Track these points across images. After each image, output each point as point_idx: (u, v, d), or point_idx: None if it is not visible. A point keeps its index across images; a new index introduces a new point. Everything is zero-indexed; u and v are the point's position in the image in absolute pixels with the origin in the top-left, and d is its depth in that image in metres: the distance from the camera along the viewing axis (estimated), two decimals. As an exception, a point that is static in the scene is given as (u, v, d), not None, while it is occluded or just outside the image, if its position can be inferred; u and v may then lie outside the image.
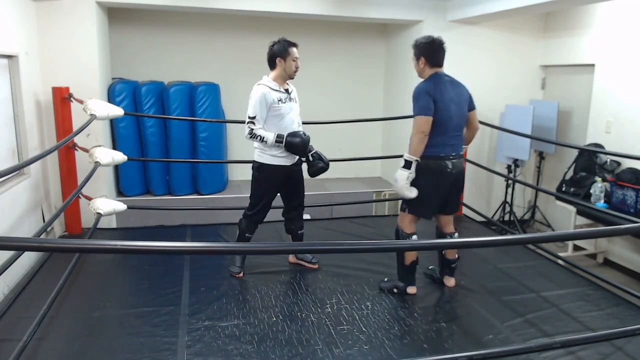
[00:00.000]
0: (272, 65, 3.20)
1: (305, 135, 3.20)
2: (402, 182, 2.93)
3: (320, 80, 5.85)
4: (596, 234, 3.35)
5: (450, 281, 3.29)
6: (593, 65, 4.84)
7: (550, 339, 2.61)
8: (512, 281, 3.42)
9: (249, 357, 2.46)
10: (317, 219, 4.82)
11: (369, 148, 6.02)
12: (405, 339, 2.67)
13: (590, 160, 4.66)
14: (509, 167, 5.27)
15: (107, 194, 4.34)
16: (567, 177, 4.86)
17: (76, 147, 4.02)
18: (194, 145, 4.98)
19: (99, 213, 3.84)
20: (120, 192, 4.95)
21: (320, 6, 4.73)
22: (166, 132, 4.89)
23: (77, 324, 2.74)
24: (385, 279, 3.27)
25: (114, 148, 4.57)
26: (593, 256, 4.83)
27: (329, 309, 2.96)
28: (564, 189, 4.75)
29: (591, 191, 4.36)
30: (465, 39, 5.20)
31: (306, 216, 4.93)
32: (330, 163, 5.84)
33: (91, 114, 3.66)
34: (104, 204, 3.92)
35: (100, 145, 4.02)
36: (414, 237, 3.11)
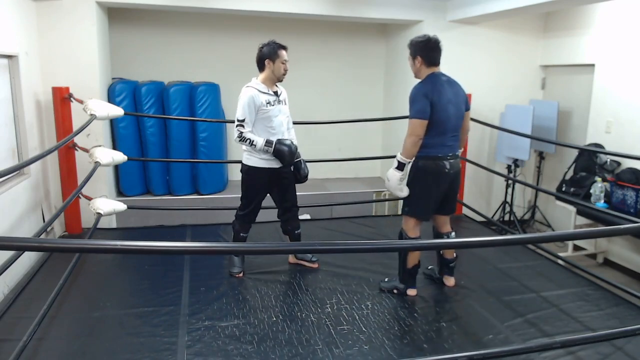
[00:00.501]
0: (260, 67, 3.21)
1: (293, 144, 3.20)
2: (394, 182, 2.95)
3: (320, 80, 5.85)
4: (596, 234, 3.35)
5: (449, 281, 3.29)
6: (593, 65, 4.84)
7: (550, 339, 2.61)
8: (512, 281, 3.42)
9: (249, 357, 2.46)
10: (317, 219, 4.82)
11: (369, 148, 6.02)
12: (405, 339, 2.67)
13: (590, 160, 4.66)
14: (509, 167, 5.27)
15: (107, 194, 4.34)
16: (567, 177, 4.86)
17: (76, 147, 4.02)
18: (194, 145, 4.98)
19: (99, 213, 3.84)
20: (120, 192, 4.95)
21: (320, 6, 4.73)
22: (166, 132, 4.89)
23: (77, 324, 2.74)
24: (386, 279, 3.27)
25: (114, 148, 4.57)
26: (593, 256, 4.83)
27: (329, 309, 2.96)
28: (564, 189, 4.75)
29: (591, 191, 4.36)
30: (465, 39, 5.20)
31: (306, 216, 4.95)
32: (330, 163, 5.88)
33: (91, 114, 3.66)
34: (104, 204, 3.92)
35: (100, 145, 4.02)
36: None
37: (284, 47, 3.18)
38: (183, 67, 5.36)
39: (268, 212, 3.73)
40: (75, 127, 3.89)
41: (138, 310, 2.89)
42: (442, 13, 5.13)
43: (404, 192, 2.97)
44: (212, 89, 4.98)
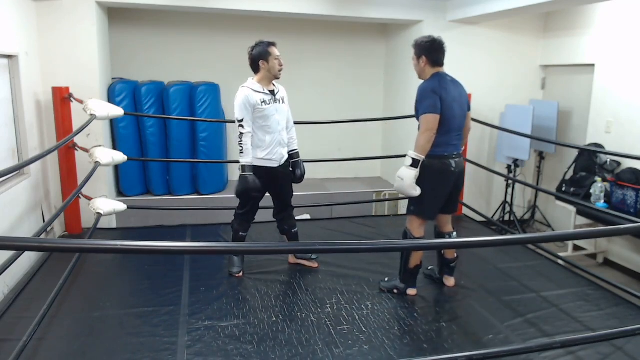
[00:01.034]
0: (255, 69, 3.20)
1: (257, 182, 3.15)
2: (410, 181, 2.90)
3: (320, 80, 5.85)
4: (596, 234, 3.35)
5: (450, 281, 3.29)
6: (593, 65, 4.84)
7: (550, 339, 2.61)
8: (512, 281, 3.42)
9: (249, 357, 2.46)
10: (317, 219, 4.82)
11: (369, 148, 6.02)
12: (405, 339, 2.67)
13: (590, 160, 4.66)
14: (509, 167, 5.27)
15: (107, 194, 4.34)
16: (567, 177, 4.86)
17: (76, 147, 4.02)
18: (194, 145, 4.98)
19: (99, 213, 3.84)
20: (120, 192, 4.95)
21: (320, 6, 4.73)
22: (166, 132, 4.89)
23: (77, 324, 2.74)
24: (386, 279, 3.27)
25: (114, 148, 4.57)
26: (593, 256, 4.83)
27: (329, 309, 2.96)
28: (564, 189, 4.75)
29: (591, 191, 4.36)
30: (465, 39, 5.20)
31: (306, 216, 4.95)
32: (330, 163, 5.88)
33: (91, 114, 3.66)
34: (104, 204, 3.92)
35: (100, 145, 4.02)
36: None
37: (274, 44, 3.17)
38: (183, 67, 5.36)
39: (268, 212, 3.72)
40: (75, 127, 3.89)
41: (138, 310, 2.89)
42: (442, 13, 5.13)
43: (417, 191, 2.93)
44: (212, 89, 4.98)
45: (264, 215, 3.76)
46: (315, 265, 3.58)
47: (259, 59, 3.14)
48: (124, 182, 4.91)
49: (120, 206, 4.07)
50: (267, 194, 3.43)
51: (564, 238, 4.43)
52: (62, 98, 3.90)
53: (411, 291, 3.17)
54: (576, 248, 4.88)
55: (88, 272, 3.43)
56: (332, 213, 5.08)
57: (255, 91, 3.14)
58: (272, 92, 3.22)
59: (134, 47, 5.24)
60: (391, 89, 5.93)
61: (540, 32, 5.50)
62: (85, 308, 2.93)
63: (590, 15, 4.90)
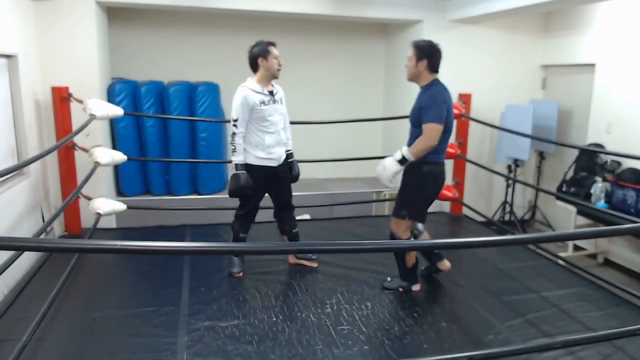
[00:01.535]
0: (254, 67, 3.21)
1: (249, 183, 3.19)
2: (390, 173, 2.94)
3: (320, 80, 5.85)
4: (596, 234, 3.34)
5: (445, 264, 3.29)
6: (593, 65, 4.84)
7: (550, 339, 2.61)
8: (512, 281, 3.42)
9: (249, 357, 2.46)
10: (317, 219, 4.82)
11: (369, 148, 6.01)
12: (405, 339, 2.67)
13: (590, 160, 4.66)
14: (509, 167, 5.27)
15: (106, 194, 4.34)
16: (568, 177, 4.86)
17: (76, 147, 4.02)
18: (194, 145, 4.98)
19: (98, 213, 3.84)
20: (120, 192, 4.95)
21: (321, 6, 4.73)
22: (166, 132, 4.89)
23: (77, 324, 2.74)
24: (389, 279, 3.28)
25: (114, 148, 4.56)
26: (593, 256, 4.83)
27: (329, 309, 2.96)
28: (564, 189, 4.74)
29: (591, 191, 4.36)
30: (465, 39, 5.20)
31: (306, 216, 4.94)
32: (330, 163, 5.87)
33: (91, 114, 3.66)
34: (104, 204, 3.92)
35: (99, 145, 4.02)
36: None
37: (274, 44, 3.18)
38: (183, 67, 5.35)
39: (268, 212, 3.72)
40: (74, 127, 3.88)
41: (138, 310, 2.89)
42: (442, 13, 5.12)
43: (392, 184, 2.99)
44: (212, 89, 4.98)
45: (264, 215, 3.76)
46: (315, 265, 3.58)
47: (257, 56, 3.15)
48: (124, 182, 4.90)
49: (120, 206, 4.07)
50: (267, 194, 3.43)
51: (564, 238, 4.43)
52: (62, 98, 3.90)
53: (416, 287, 3.21)
54: (576, 248, 4.88)
55: (88, 272, 3.43)
56: (332, 213, 5.07)
57: (255, 91, 3.14)
58: (271, 93, 3.22)
59: (134, 47, 5.23)
60: (391, 89, 5.92)
61: (540, 32, 5.50)
62: (85, 308, 2.92)
63: (591, 15, 4.90)
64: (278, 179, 3.33)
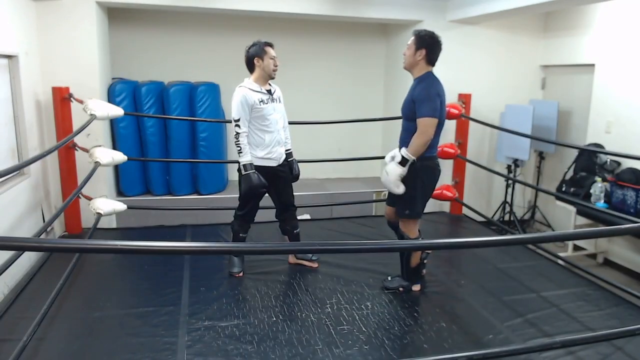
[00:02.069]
0: (251, 68, 3.22)
1: (263, 181, 3.17)
2: (394, 177, 2.92)
3: (320, 80, 5.85)
4: (596, 234, 3.35)
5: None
6: (593, 65, 4.84)
7: (550, 339, 2.61)
8: (512, 281, 3.42)
9: (249, 357, 2.46)
10: (317, 219, 4.82)
11: (369, 148, 6.01)
12: (405, 339, 2.67)
13: (590, 160, 4.66)
14: (509, 167, 5.27)
15: (107, 194, 4.34)
16: (567, 177, 4.86)
17: (76, 147, 4.02)
18: (194, 145, 4.98)
19: (99, 213, 3.84)
20: (120, 192, 4.95)
21: (320, 6, 4.73)
22: (166, 132, 4.89)
23: (77, 324, 2.74)
24: (389, 278, 3.28)
25: (114, 148, 4.56)
26: (593, 256, 4.83)
27: (329, 309, 2.96)
28: (564, 189, 4.75)
29: (591, 191, 4.36)
30: (465, 39, 5.20)
31: (306, 216, 4.95)
32: (330, 163, 5.87)
33: (91, 114, 3.66)
34: (104, 204, 3.92)
35: (100, 145, 4.02)
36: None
37: (270, 44, 3.19)
38: (183, 67, 5.36)
39: (268, 212, 3.72)
40: (75, 127, 3.89)
41: (138, 310, 2.89)
42: (442, 13, 5.13)
43: (400, 188, 2.94)
44: (212, 89, 4.98)
45: (264, 215, 3.76)
46: (315, 265, 3.58)
47: (254, 56, 3.16)
48: (124, 182, 4.91)
49: (120, 206, 4.07)
50: (267, 195, 3.43)
51: (564, 238, 4.43)
52: (62, 98, 3.90)
53: (416, 287, 3.21)
54: (576, 248, 4.88)
55: (88, 272, 3.43)
56: (332, 213, 5.08)
57: (253, 90, 3.14)
58: (269, 92, 3.23)
59: (134, 47, 5.24)
60: (391, 89, 5.93)
61: (540, 32, 5.50)
62: (85, 308, 2.92)
63: (590, 15, 4.90)
64: (278, 179, 3.34)
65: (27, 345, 2.35)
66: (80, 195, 3.98)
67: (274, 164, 3.26)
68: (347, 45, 5.87)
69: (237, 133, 3.14)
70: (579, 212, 4.51)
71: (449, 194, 4.83)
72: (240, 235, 3.40)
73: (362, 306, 3.01)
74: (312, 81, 5.80)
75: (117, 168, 4.82)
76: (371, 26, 5.85)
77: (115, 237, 4.24)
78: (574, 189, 4.63)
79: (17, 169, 2.73)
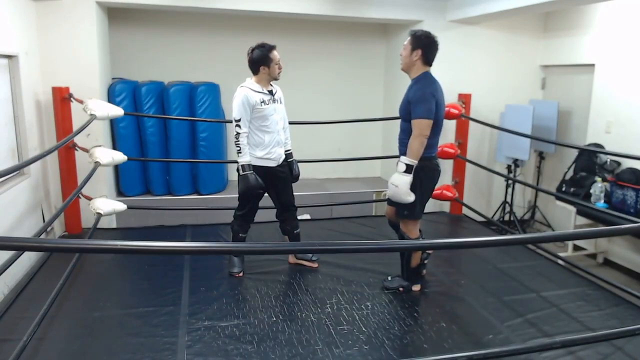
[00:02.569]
0: (255, 70, 3.20)
1: (260, 181, 3.18)
2: (405, 187, 2.87)
3: (320, 80, 5.85)
4: (596, 234, 3.35)
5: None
6: (593, 65, 4.84)
7: (550, 339, 2.61)
8: (512, 281, 3.42)
9: (249, 357, 2.46)
10: (317, 219, 4.82)
11: (369, 148, 6.01)
12: (405, 339, 2.67)
13: (590, 160, 4.66)
14: (509, 167, 5.27)
15: (107, 194, 4.34)
16: (567, 177, 4.86)
17: (76, 147, 4.02)
18: (194, 145, 4.98)
19: (99, 213, 3.84)
20: (120, 192, 4.95)
21: (320, 6, 4.73)
22: (166, 132, 4.89)
23: (77, 324, 2.74)
24: (389, 278, 3.28)
25: (114, 148, 4.56)
26: (593, 256, 4.83)
27: (329, 309, 2.96)
28: (564, 189, 4.75)
29: (591, 191, 4.36)
30: (465, 39, 5.20)
31: (306, 216, 4.95)
32: (330, 163, 5.87)
33: (91, 114, 3.66)
34: (104, 204, 3.92)
35: (100, 145, 4.02)
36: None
37: (274, 47, 3.18)
38: (183, 67, 5.36)
39: (268, 212, 3.73)
40: (75, 127, 3.89)
41: (138, 310, 2.89)
42: (442, 13, 5.13)
43: (412, 197, 2.90)
44: (212, 89, 4.98)
45: (264, 215, 3.76)
46: (315, 265, 3.58)
47: (259, 64, 3.14)
48: (124, 182, 4.91)
49: (120, 206, 4.07)
50: (266, 195, 3.43)
51: (564, 238, 4.43)
52: (62, 98, 3.90)
53: (416, 287, 3.21)
54: (576, 248, 4.88)
55: (88, 272, 3.44)
56: (332, 213, 5.08)
57: (255, 91, 3.14)
58: (271, 92, 3.23)
59: (134, 47, 5.24)
60: (391, 89, 5.92)
61: (540, 32, 5.50)
62: (85, 308, 2.93)
63: (590, 15, 4.90)
64: (278, 179, 3.34)
65: (27, 345, 2.35)
66: (80, 195, 3.98)
67: (273, 164, 3.26)
68: (347, 45, 5.87)
69: (238, 133, 3.14)
70: (579, 212, 4.51)
71: (449, 194, 4.83)
72: (240, 235, 3.40)
73: (362, 306, 3.01)
74: (312, 81, 5.80)
75: (117, 168, 4.82)
76: (371, 26, 5.85)
77: (115, 237, 4.24)
78: (574, 189, 4.63)
79: (17, 169, 2.73)
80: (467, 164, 5.02)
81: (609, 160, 4.52)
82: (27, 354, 2.36)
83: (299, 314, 2.91)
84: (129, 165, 4.58)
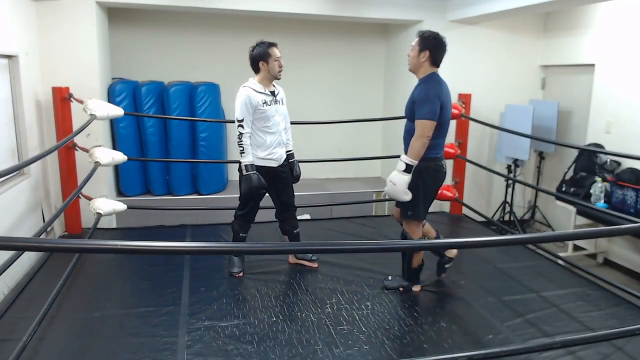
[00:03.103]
0: (255, 69, 3.20)
1: (263, 183, 3.17)
2: (403, 186, 2.89)
3: (321, 80, 5.86)
4: (596, 234, 3.35)
5: (451, 251, 3.28)
6: (593, 65, 4.84)
7: (550, 339, 2.61)
8: (512, 281, 3.42)
9: (249, 357, 2.46)
10: (317, 219, 4.82)
11: (369, 148, 6.02)
12: (405, 339, 2.67)
13: (590, 160, 4.66)
14: (509, 167, 5.28)
15: (107, 194, 4.34)
16: (567, 177, 4.86)
17: (76, 147, 4.02)
18: (194, 145, 4.98)
19: (99, 213, 3.84)
20: (120, 192, 4.95)
21: (320, 6, 4.73)
22: (166, 132, 4.89)
23: (77, 324, 2.74)
24: (389, 277, 3.28)
25: (114, 148, 4.57)
26: (593, 256, 4.83)
27: (329, 309, 2.96)
28: (564, 189, 4.75)
29: (591, 191, 4.36)
30: (465, 39, 5.20)
31: (306, 216, 4.95)
32: (330, 163, 5.87)
33: (91, 114, 3.66)
34: (104, 204, 3.92)
35: (100, 145, 4.02)
36: None
37: (275, 44, 3.18)
38: (183, 67, 5.36)
39: (268, 212, 3.72)
40: (75, 127, 3.89)
41: (138, 310, 2.89)
42: (442, 13, 5.13)
43: (409, 195, 2.92)
44: (212, 89, 4.98)
45: (264, 215, 3.76)
46: (315, 265, 3.58)
47: (258, 60, 3.15)
48: (124, 182, 4.91)
49: (120, 206, 4.07)
50: (267, 195, 3.43)
51: (564, 238, 4.43)
52: (62, 98, 3.90)
53: (416, 287, 3.21)
54: (576, 248, 4.88)
55: (88, 272, 3.44)
56: (332, 213, 5.08)
57: (257, 92, 3.14)
58: (273, 93, 3.23)
59: (134, 47, 5.24)
60: (391, 89, 5.93)
61: (540, 32, 5.51)
62: (85, 308, 2.92)
63: (590, 15, 4.91)
64: (279, 179, 3.34)
65: (27, 345, 2.35)
66: (80, 195, 3.98)
67: (274, 164, 3.26)
68: (347, 45, 5.88)
69: (241, 133, 3.13)
70: (579, 212, 4.51)
71: (449, 194, 4.83)
72: (241, 235, 3.40)
73: (362, 306, 3.01)
74: (312, 81, 5.80)
75: (117, 168, 4.82)
76: (371, 26, 5.85)
77: (115, 237, 4.23)
78: (574, 189, 4.63)
79: (17, 169, 2.73)
80: (467, 164, 5.02)
81: (609, 160, 4.52)
82: (27, 354, 2.36)
83: (299, 314, 2.91)
84: (129, 165, 4.58)
